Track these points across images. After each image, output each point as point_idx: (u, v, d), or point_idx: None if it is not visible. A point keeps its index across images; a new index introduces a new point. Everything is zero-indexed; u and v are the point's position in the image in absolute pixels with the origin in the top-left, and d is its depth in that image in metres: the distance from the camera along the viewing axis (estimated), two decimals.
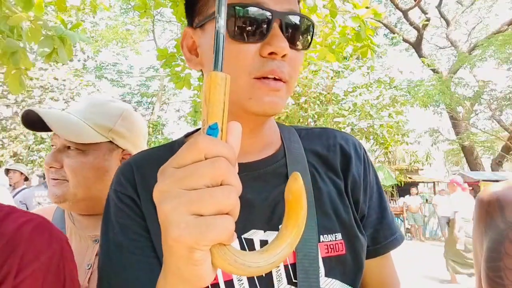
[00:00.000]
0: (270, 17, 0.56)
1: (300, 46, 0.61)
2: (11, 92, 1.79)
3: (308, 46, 0.63)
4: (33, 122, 0.97)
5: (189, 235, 0.33)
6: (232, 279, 0.59)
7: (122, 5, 17.60)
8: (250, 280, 0.59)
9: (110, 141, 1.03)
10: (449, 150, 20.68)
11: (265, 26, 0.56)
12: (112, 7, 16.19)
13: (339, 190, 0.68)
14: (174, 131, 27.59)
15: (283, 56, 0.57)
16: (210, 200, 0.33)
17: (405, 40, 15.50)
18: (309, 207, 0.62)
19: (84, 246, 0.99)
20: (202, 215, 0.33)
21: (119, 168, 0.69)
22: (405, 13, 14.10)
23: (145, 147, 1.15)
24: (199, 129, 0.70)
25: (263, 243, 0.61)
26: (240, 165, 0.63)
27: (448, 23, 15.95)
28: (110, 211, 0.64)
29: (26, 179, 5.18)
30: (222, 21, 0.38)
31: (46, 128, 0.98)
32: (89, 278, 0.94)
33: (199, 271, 0.36)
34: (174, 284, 0.40)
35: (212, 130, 0.36)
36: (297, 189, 0.41)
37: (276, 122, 0.75)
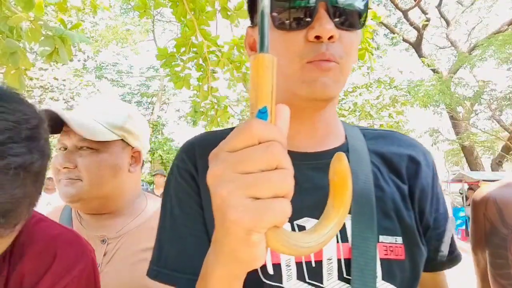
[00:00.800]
0: (314, 2, 0.56)
1: (351, 26, 0.59)
2: None
3: (363, 25, 0.62)
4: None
5: (248, 218, 0.33)
6: (280, 263, 0.58)
7: (122, 5, 17.59)
8: (299, 267, 0.58)
9: (122, 140, 1.04)
10: (449, 150, 20.65)
11: (310, 11, 0.56)
12: (112, 7, 16.19)
13: (403, 194, 0.65)
14: (174, 131, 27.72)
15: (330, 38, 0.56)
16: (266, 184, 0.33)
17: (405, 40, 15.49)
18: (369, 206, 0.61)
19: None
20: (259, 199, 0.33)
21: (182, 146, 0.71)
22: (405, 13, 14.09)
23: (148, 145, 1.17)
24: None
25: None
26: (300, 154, 0.65)
27: (448, 23, 15.94)
28: (171, 184, 0.68)
29: None
30: (266, 0, 0.36)
31: (54, 131, 0.98)
32: None
33: (254, 252, 0.36)
34: (226, 263, 0.40)
35: (262, 114, 0.35)
36: (342, 169, 0.41)
37: (341, 121, 0.74)
